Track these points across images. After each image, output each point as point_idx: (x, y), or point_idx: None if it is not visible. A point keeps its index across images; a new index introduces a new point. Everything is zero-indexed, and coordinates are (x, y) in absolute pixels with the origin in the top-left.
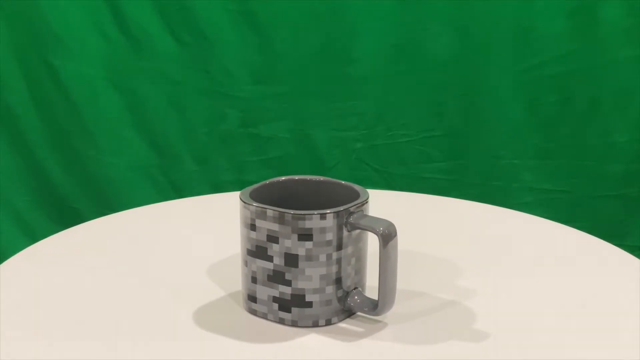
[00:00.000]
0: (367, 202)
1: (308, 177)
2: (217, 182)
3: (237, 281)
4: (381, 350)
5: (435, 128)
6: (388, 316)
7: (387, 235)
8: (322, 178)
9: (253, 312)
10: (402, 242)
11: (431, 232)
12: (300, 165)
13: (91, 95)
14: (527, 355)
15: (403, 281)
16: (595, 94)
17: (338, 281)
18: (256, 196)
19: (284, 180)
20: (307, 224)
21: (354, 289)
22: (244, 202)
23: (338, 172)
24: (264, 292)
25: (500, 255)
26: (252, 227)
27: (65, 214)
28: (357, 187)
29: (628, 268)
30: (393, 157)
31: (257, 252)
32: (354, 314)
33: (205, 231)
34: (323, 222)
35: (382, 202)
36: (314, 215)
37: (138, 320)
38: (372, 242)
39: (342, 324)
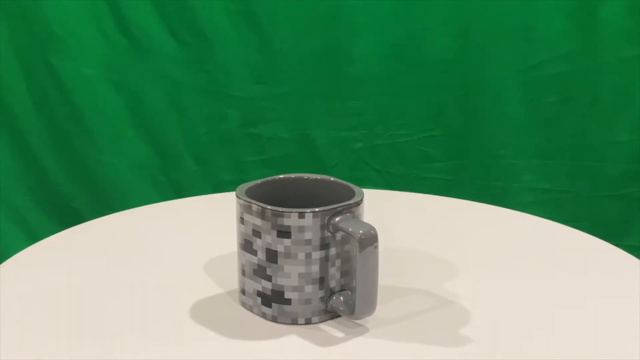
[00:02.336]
0: (356, 205)
1: (305, 175)
2: (217, 182)
3: (235, 278)
4: (347, 355)
5: (435, 128)
6: (372, 319)
7: (364, 241)
8: (319, 176)
9: (243, 304)
10: (402, 241)
11: (430, 232)
12: (300, 165)
13: (91, 95)
14: (526, 356)
15: (398, 281)
16: (596, 93)
17: (320, 281)
18: (254, 192)
19: (283, 178)
20: (286, 221)
21: (341, 290)
22: (236, 196)
23: (338, 172)
24: (251, 285)
25: (499, 256)
26: (242, 220)
27: (65, 214)
28: (355, 188)
29: (628, 268)
30: (393, 157)
31: (245, 245)
32: (339, 315)
33: (205, 231)
34: (302, 221)
35: (382, 202)
36: (292, 214)
37: (137, 320)
38: None
39: (323, 325)
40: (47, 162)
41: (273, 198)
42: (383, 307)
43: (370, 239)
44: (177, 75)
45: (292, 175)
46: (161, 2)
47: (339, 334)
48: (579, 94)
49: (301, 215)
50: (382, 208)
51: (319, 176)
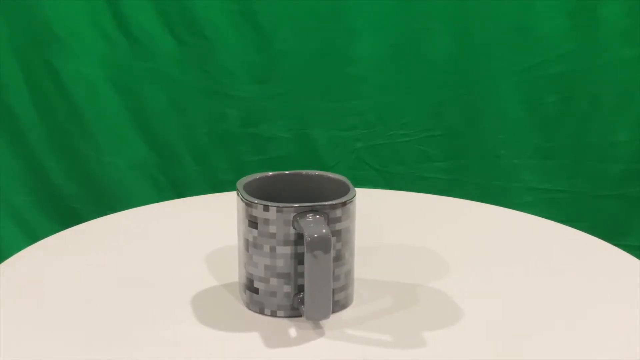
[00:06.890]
0: (331, 207)
1: (303, 171)
2: (217, 182)
3: (235, 274)
4: (287, 355)
5: (435, 128)
6: (338, 320)
7: (312, 244)
8: (317, 172)
9: (239, 289)
10: (401, 241)
11: (429, 232)
12: (300, 165)
13: (91, 95)
14: (525, 356)
15: (396, 279)
16: (596, 93)
17: (285, 276)
18: (257, 185)
19: (278, 174)
20: (253, 212)
21: None
22: (237, 187)
23: (338, 172)
24: (238, 270)
25: (499, 255)
26: (237, 208)
27: (65, 214)
28: (351, 191)
29: (628, 268)
30: (393, 157)
31: (238, 232)
32: None
33: (206, 230)
34: (266, 214)
35: (382, 202)
36: (258, 205)
37: (137, 319)
38: (362, 245)
39: (288, 320)
40: (47, 162)
41: (274, 192)
42: (365, 307)
43: (318, 244)
44: (177, 75)
45: (288, 172)
46: (161, 2)
47: (291, 332)
48: (579, 94)
49: (266, 208)
50: (381, 208)
51: (316, 172)
